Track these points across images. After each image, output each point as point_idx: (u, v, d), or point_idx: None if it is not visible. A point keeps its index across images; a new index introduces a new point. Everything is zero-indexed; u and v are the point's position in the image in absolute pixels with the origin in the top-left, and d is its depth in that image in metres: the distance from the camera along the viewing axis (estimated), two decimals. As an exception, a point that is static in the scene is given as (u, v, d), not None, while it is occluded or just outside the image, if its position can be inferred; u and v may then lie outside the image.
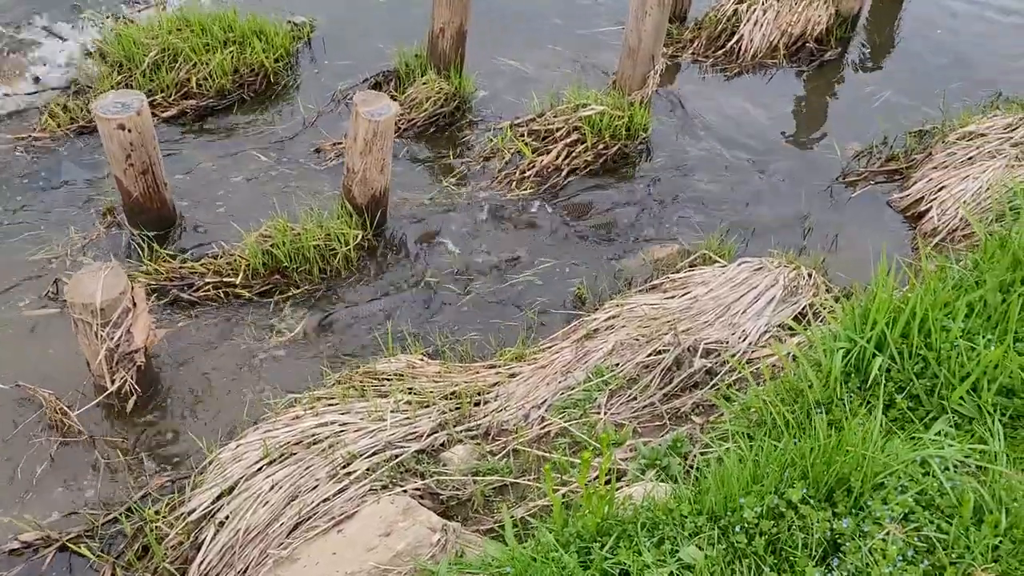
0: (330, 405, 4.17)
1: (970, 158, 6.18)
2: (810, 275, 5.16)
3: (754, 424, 3.68)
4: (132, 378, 4.21)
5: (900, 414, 3.44)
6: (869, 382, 3.47)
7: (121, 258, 5.10)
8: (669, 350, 4.52)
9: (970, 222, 5.68)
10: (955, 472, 2.95)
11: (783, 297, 4.95)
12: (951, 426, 3.31)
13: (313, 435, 3.96)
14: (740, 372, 4.25)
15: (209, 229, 5.42)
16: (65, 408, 4.20)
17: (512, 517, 3.75)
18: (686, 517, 3.04)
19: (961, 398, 3.40)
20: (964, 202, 5.83)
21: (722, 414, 4.08)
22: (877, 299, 3.62)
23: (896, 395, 3.47)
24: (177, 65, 6.31)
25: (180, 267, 5.06)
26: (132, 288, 4.13)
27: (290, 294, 5.08)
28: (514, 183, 6.06)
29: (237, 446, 3.99)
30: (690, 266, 5.39)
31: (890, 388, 3.50)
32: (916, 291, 3.65)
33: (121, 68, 6.31)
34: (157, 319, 4.80)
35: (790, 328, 4.69)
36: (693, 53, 7.58)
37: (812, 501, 2.93)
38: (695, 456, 3.80)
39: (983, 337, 3.50)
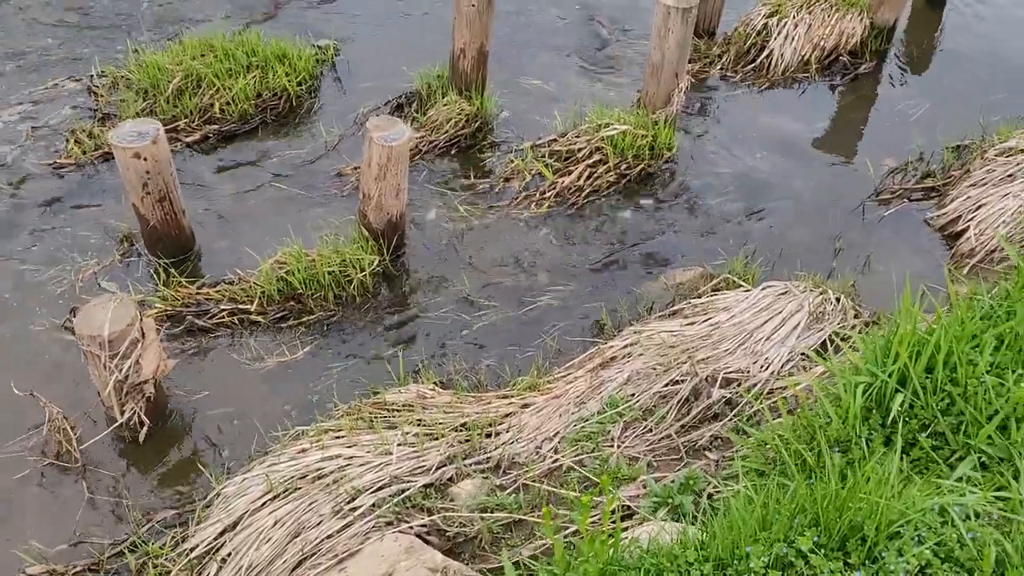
0: (337, 438, 4.11)
1: (1010, 175, 5.94)
2: (838, 300, 4.98)
3: (770, 462, 3.53)
4: (141, 409, 4.19)
5: (924, 454, 3.26)
6: (890, 419, 3.29)
7: (138, 285, 5.11)
8: (687, 380, 4.38)
9: (1010, 241, 5.45)
10: (977, 521, 2.78)
11: (808, 324, 4.77)
12: (977, 468, 3.13)
13: (318, 469, 3.90)
14: (757, 405, 4.09)
15: (227, 255, 5.40)
16: (69, 431, 4.21)
17: (520, 556, 3.65)
18: (692, 564, 2.90)
19: (989, 437, 3.21)
20: (1004, 222, 5.59)
21: (744, 448, 3.93)
22: (899, 331, 3.45)
23: (919, 434, 3.29)
24: (200, 91, 6.35)
25: (196, 294, 5.05)
26: (141, 319, 4.12)
27: (304, 320, 5.04)
28: (534, 204, 5.97)
29: (242, 480, 3.95)
30: (713, 290, 5.24)
31: (914, 426, 3.33)
32: (941, 322, 3.47)
33: (146, 95, 6.36)
34: (171, 346, 4.80)
35: (820, 356, 4.51)
36: (722, 69, 7.42)
37: (824, 550, 2.78)
38: (709, 494, 3.65)
39: (1012, 372, 3.31)
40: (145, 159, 4.80)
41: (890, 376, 3.39)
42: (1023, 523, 2.70)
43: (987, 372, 3.32)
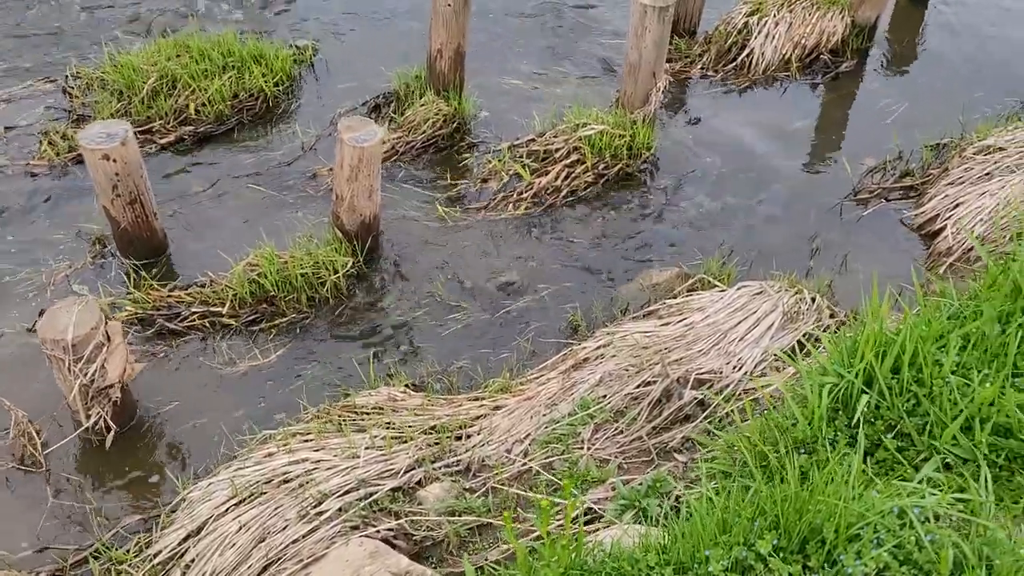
0: (305, 441, 4.07)
1: (988, 173, 5.92)
2: (813, 299, 4.95)
3: (737, 464, 3.50)
4: (107, 414, 4.14)
5: (889, 455, 3.24)
6: (854, 421, 3.27)
7: (109, 287, 5.07)
8: (658, 381, 4.35)
9: (987, 240, 5.43)
10: (937, 523, 2.75)
11: (782, 324, 4.75)
12: (940, 469, 3.11)
13: (284, 474, 3.87)
14: (727, 407, 4.06)
15: (201, 257, 5.36)
16: (34, 435, 4.17)
17: (485, 560, 3.62)
18: (652, 568, 2.88)
19: (954, 438, 3.18)
20: (981, 220, 5.58)
21: (711, 450, 3.90)
22: (865, 331, 3.42)
23: (885, 435, 3.27)
24: (176, 92, 6.30)
25: (167, 296, 5.01)
26: (106, 323, 4.08)
27: (277, 323, 5.00)
28: (511, 205, 5.94)
29: (208, 484, 3.91)
30: (688, 291, 5.21)
31: (879, 427, 3.30)
32: (908, 322, 3.44)
33: (121, 96, 6.32)
34: (141, 350, 4.76)
35: (790, 356, 4.49)
36: (702, 68, 7.40)
37: (783, 553, 2.75)
38: (677, 497, 3.63)
39: (978, 372, 3.29)
40: (114, 161, 4.76)
41: (856, 377, 3.36)
42: (981, 525, 2.68)
43: (952, 372, 3.29)
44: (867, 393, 3.33)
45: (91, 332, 3.94)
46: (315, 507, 3.75)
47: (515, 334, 5.08)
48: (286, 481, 3.85)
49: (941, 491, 2.85)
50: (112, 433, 4.21)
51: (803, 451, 3.30)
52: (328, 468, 3.91)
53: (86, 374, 4.00)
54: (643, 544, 3.00)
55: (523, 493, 3.90)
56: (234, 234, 5.52)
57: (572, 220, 5.90)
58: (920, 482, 2.95)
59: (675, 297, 5.15)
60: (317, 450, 3.99)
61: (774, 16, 7.51)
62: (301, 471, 3.88)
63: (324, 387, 4.67)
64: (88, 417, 4.13)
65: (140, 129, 6.11)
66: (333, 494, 3.81)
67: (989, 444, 3.14)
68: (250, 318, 5.00)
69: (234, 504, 3.76)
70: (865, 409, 3.29)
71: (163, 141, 6.16)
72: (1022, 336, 3.36)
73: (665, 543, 2.96)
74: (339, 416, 4.24)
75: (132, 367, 4.26)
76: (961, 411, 3.17)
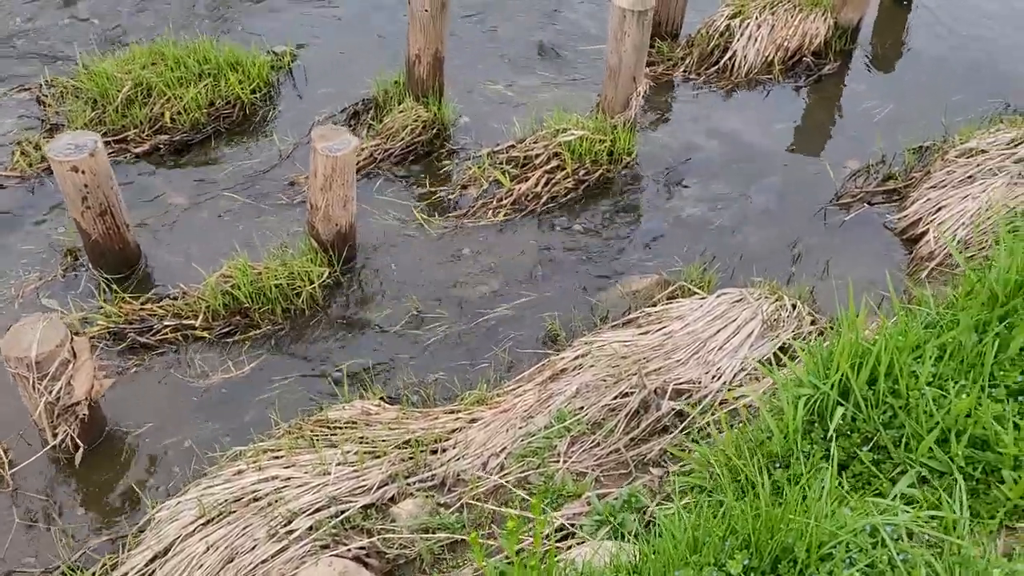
0: (275, 458, 4.00)
1: (970, 176, 5.88)
2: (794, 306, 4.90)
3: (711, 479, 3.44)
4: (74, 431, 4.07)
5: (865, 469, 3.18)
6: (829, 434, 3.21)
7: (80, 301, 4.99)
8: (636, 392, 4.29)
9: (969, 244, 5.39)
10: (910, 541, 2.70)
11: (762, 332, 4.69)
12: (917, 483, 3.05)
13: (253, 492, 3.79)
14: (705, 419, 4.00)
15: (175, 268, 5.29)
16: (1, 454, 4.09)
17: (458, 578, 3.56)
18: (622, 589, 2.82)
19: (930, 450, 3.13)
20: (963, 224, 5.53)
21: (686, 464, 3.84)
22: (841, 341, 3.37)
23: (861, 448, 3.21)
24: (151, 100, 6.22)
25: (139, 309, 4.94)
26: (72, 339, 4.01)
27: (251, 335, 4.93)
28: (491, 212, 5.88)
29: (176, 503, 3.84)
30: (668, 298, 5.15)
31: (855, 440, 3.25)
32: (884, 332, 3.39)
33: (95, 104, 6.23)
34: (113, 364, 4.68)
35: (767, 367, 4.43)
36: (684, 71, 7.34)
37: (754, 573, 2.69)
38: (653, 511, 3.57)
39: (955, 383, 3.23)
40: (83, 172, 4.68)
41: (832, 388, 3.31)
42: (954, 543, 2.63)
43: (929, 383, 3.24)
44: (843, 405, 3.28)
45: (56, 349, 3.86)
46: (285, 526, 3.69)
47: (493, 344, 5.02)
48: (256, 499, 3.78)
49: (916, 507, 2.79)
50: (80, 451, 4.14)
51: (778, 465, 3.25)
52: (299, 485, 3.84)
53: (51, 391, 3.93)
54: (614, 564, 2.94)
55: (498, 508, 3.84)
56: (209, 244, 5.44)
57: (552, 227, 5.84)
58: (895, 498, 2.89)
59: (655, 305, 5.09)
60: (288, 467, 3.93)
61: (756, 18, 7.45)
62: (271, 489, 3.81)
63: (298, 401, 4.60)
64: (55, 435, 4.05)
65: (115, 138, 6.04)
66: (303, 512, 3.74)
67: (965, 457, 3.09)
68: (224, 330, 4.93)
69: (202, 524, 3.69)
70: (840, 421, 3.24)
71: (138, 150, 6.08)
72: (999, 345, 3.31)
73: (636, 563, 2.90)
74: (311, 431, 4.18)
75: (100, 383, 4.19)
76: (937, 423, 3.12)
